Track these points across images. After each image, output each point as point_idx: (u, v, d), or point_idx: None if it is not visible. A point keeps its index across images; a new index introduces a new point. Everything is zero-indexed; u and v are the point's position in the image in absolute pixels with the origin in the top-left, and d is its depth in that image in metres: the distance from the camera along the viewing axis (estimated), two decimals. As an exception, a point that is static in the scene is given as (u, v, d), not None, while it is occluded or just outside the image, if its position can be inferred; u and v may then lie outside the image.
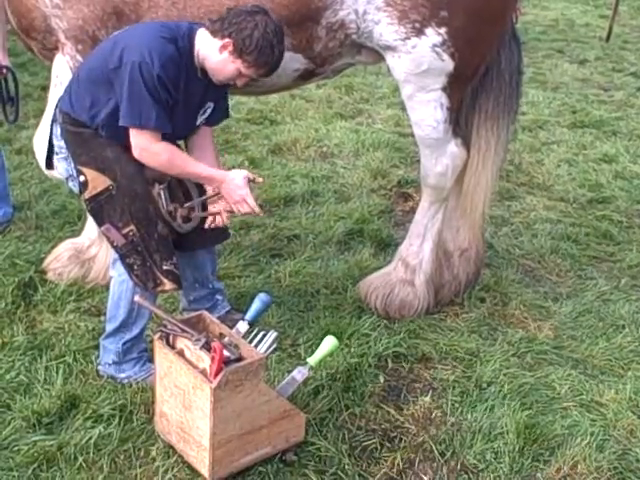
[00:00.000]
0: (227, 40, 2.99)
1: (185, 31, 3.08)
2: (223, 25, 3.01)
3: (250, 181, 3.14)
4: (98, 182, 3.18)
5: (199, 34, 3.08)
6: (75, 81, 3.20)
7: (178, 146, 3.23)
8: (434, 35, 3.52)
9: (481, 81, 3.88)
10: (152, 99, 2.95)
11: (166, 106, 3.01)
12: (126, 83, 2.96)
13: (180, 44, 3.04)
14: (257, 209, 3.18)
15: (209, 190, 3.29)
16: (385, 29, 3.53)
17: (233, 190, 3.13)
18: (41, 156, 3.67)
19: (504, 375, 3.57)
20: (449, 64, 3.60)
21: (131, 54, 2.95)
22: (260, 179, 3.22)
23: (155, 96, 2.95)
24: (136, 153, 3.07)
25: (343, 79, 7.97)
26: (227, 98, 3.42)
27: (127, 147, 3.10)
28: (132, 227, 3.16)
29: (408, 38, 3.53)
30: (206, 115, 3.29)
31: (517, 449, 3.12)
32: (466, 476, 3.03)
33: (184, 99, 3.11)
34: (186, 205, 3.26)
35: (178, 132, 3.23)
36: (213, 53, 3.05)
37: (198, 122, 3.29)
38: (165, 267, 3.18)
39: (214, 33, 3.04)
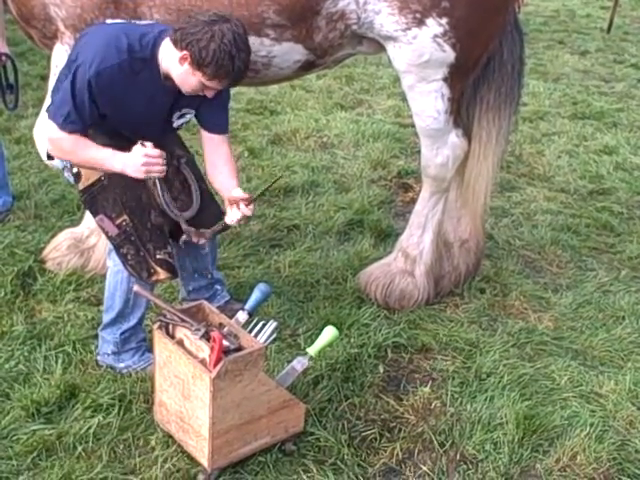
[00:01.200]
0: (185, 52, 2.88)
1: (150, 40, 2.99)
2: (182, 36, 2.89)
3: (149, 156, 3.03)
4: (90, 173, 3.18)
5: (164, 43, 2.98)
6: (61, 72, 3.20)
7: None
8: (435, 25, 3.50)
9: (483, 72, 3.86)
10: (72, 101, 2.95)
11: (84, 112, 2.97)
12: (64, 81, 3.01)
13: (138, 54, 2.97)
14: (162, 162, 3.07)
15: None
16: (386, 19, 3.51)
17: (136, 167, 3.02)
18: (42, 146, 3.65)
19: (504, 366, 3.57)
20: (450, 55, 3.58)
21: (81, 54, 2.98)
22: (156, 151, 3.04)
23: (77, 99, 2.95)
24: (47, 143, 3.12)
25: (343, 69, 7.95)
26: (225, 105, 3.30)
27: (115, 136, 3.10)
28: (125, 217, 3.15)
29: (409, 28, 3.51)
30: (185, 119, 3.24)
31: (516, 440, 3.12)
32: (465, 466, 3.03)
33: (143, 105, 3.06)
34: (207, 231, 3.25)
35: (152, 132, 3.14)
36: (174, 65, 2.95)
37: (176, 125, 3.25)
38: (159, 256, 3.17)
39: (175, 43, 2.92)
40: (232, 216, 3.14)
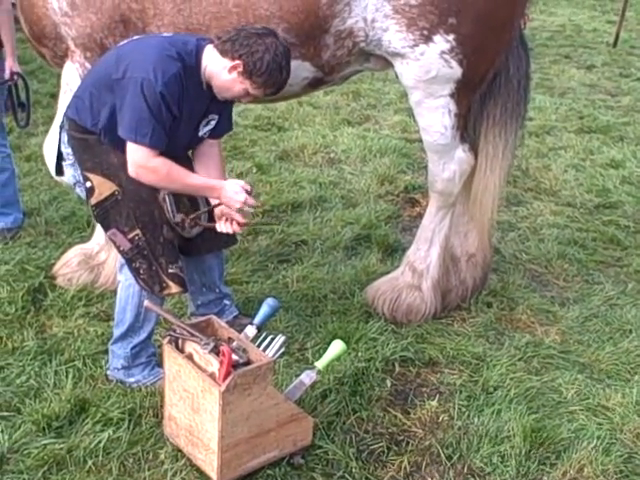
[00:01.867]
0: (237, 62, 3.02)
1: (192, 48, 3.10)
2: (234, 46, 3.03)
3: (247, 192, 3.14)
4: (104, 188, 3.21)
5: (207, 51, 3.10)
6: (81, 89, 3.24)
7: (177, 161, 3.21)
8: (442, 42, 3.55)
9: (489, 87, 3.90)
10: (152, 116, 2.97)
11: (165, 124, 3.03)
12: (127, 96, 2.99)
13: (187, 61, 3.06)
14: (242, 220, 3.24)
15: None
16: (393, 36, 3.55)
17: (232, 198, 3.13)
18: (51, 162, 3.70)
19: (511, 379, 3.58)
20: (457, 71, 3.62)
21: (136, 69, 2.99)
22: (253, 201, 3.20)
23: (155, 114, 2.98)
24: (132, 170, 3.06)
25: (350, 85, 8.01)
26: (231, 111, 3.43)
27: None
28: (137, 231, 3.19)
29: (416, 45, 3.55)
30: (210, 127, 3.31)
31: (524, 452, 3.13)
32: (473, 479, 3.04)
33: (187, 113, 3.13)
34: (191, 216, 3.28)
35: (181, 144, 3.25)
36: (222, 72, 3.08)
37: (201, 133, 3.30)
38: (171, 270, 3.21)
39: (223, 53, 3.06)
40: (223, 228, 3.26)
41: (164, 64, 2.99)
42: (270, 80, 3.07)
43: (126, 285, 3.31)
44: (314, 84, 3.81)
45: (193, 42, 3.13)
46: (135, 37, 3.28)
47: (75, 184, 3.45)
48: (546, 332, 4.03)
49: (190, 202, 3.37)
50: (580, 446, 3.18)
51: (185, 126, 3.17)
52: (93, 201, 3.26)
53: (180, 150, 3.27)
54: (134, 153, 3.03)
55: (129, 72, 3.00)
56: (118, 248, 3.26)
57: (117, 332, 3.37)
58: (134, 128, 2.99)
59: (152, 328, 3.38)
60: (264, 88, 3.10)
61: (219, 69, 3.08)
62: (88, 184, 3.25)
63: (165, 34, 3.31)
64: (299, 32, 3.49)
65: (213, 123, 3.30)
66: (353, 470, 3.02)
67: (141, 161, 3.04)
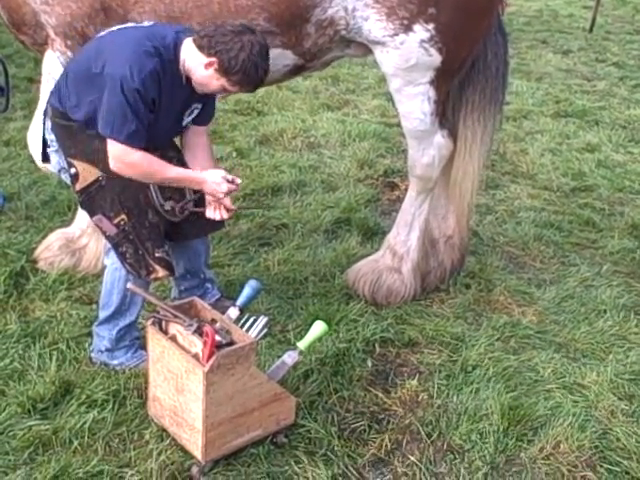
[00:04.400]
0: (213, 59, 3.00)
1: (171, 41, 3.08)
2: (210, 43, 3.01)
3: (228, 182, 3.17)
4: (88, 174, 3.23)
5: (185, 45, 3.08)
6: (63, 78, 3.24)
7: (162, 150, 3.25)
8: (422, 31, 3.58)
9: (468, 73, 3.94)
10: (130, 113, 2.99)
11: (143, 120, 3.03)
12: (106, 93, 3.01)
13: (165, 55, 3.05)
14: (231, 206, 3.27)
15: None
16: (374, 25, 3.57)
17: (214, 190, 3.16)
18: (36, 150, 3.70)
19: (489, 359, 3.65)
20: (437, 59, 3.65)
21: (113, 66, 3.00)
22: (238, 180, 3.23)
23: (133, 110, 2.99)
24: (112, 165, 3.08)
25: (329, 70, 7.98)
26: (214, 99, 3.42)
27: None
28: (123, 216, 3.21)
29: (396, 34, 3.58)
30: (193, 115, 3.31)
31: (501, 430, 3.20)
32: (452, 456, 3.11)
33: (168, 106, 3.13)
34: (180, 204, 3.29)
35: (163, 135, 3.27)
36: (199, 68, 3.06)
37: (184, 123, 3.31)
38: (157, 254, 3.24)
39: (201, 48, 3.04)
40: (212, 214, 3.28)
41: (141, 60, 2.99)
42: (246, 78, 3.05)
43: (112, 269, 3.33)
44: (295, 71, 3.83)
45: (172, 35, 3.10)
46: (116, 27, 3.26)
47: (60, 170, 3.45)
48: (523, 313, 4.11)
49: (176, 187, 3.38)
50: (556, 423, 3.25)
51: (166, 118, 3.18)
52: (78, 187, 3.28)
53: (163, 140, 3.29)
54: (113, 149, 3.05)
55: (107, 68, 3.01)
56: (104, 233, 3.28)
57: (103, 315, 3.39)
58: (112, 124, 3.01)
59: (138, 311, 3.41)
60: (240, 86, 3.09)
61: (196, 64, 3.06)
62: (72, 170, 3.26)
63: (145, 24, 3.28)
64: (280, 21, 3.50)
65: (196, 112, 3.31)
66: (335, 448, 3.08)
67: (120, 157, 3.06)
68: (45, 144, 3.48)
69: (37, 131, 3.67)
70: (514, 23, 11.22)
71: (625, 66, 9.46)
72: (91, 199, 3.25)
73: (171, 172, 3.16)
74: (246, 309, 3.24)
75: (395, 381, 3.52)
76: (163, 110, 3.13)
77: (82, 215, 4.11)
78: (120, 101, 2.97)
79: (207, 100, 3.31)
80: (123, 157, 3.06)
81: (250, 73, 3.03)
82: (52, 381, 3.28)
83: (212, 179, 3.16)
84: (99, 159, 3.17)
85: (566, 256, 4.77)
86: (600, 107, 7.68)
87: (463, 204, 4.15)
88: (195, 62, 3.06)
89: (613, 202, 5.57)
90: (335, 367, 3.51)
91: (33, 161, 4.19)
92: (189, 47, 3.08)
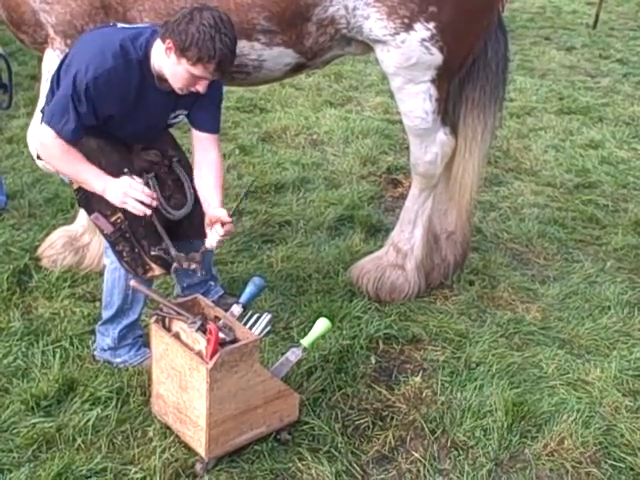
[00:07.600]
0: (168, 41, 2.90)
1: (143, 41, 3.03)
2: (164, 28, 2.95)
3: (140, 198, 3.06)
4: None
5: (156, 43, 3.02)
6: (54, 77, 3.23)
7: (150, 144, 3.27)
8: (423, 30, 3.56)
9: (468, 71, 3.93)
10: (71, 107, 2.97)
11: (84, 118, 3.00)
12: (62, 84, 3.05)
13: (133, 56, 3.00)
14: (147, 201, 3.08)
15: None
16: (374, 24, 3.56)
17: (116, 194, 3.07)
18: (34, 148, 3.69)
19: (493, 355, 3.64)
20: (438, 57, 3.64)
21: (75, 61, 3.02)
22: (154, 195, 3.12)
23: (75, 105, 2.97)
24: (37, 146, 3.13)
25: (332, 67, 7.99)
26: (218, 108, 3.32)
27: (108, 137, 3.16)
28: (119, 215, 3.17)
29: (397, 33, 3.57)
30: (178, 120, 3.28)
31: (505, 426, 3.20)
32: (456, 452, 3.11)
33: (143, 107, 3.10)
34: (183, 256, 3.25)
35: (141, 133, 3.25)
36: (163, 59, 2.97)
37: (169, 123, 3.31)
38: (153, 253, 3.20)
39: (162, 38, 2.96)
40: (211, 239, 3.20)
41: (99, 59, 2.96)
42: (202, 52, 2.84)
43: (112, 268, 3.32)
44: (296, 69, 3.82)
45: (146, 35, 3.05)
46: (98, 26, 3.29)
47: (57, 169, 3.45)
48: (527, 309, 4.10)
49: (174, 184, 3.36)
50: (560, 419, 3.25)
51: (143, 120, 3.16)
52: (75, 186, 3.28)
53: (146, 136, 3.27)
54: (42, 132, 3.07)
55: (72, 63, 3.03)
56: (101, 232, 3.27)
57: (106, 314, 3.39)
58: (52, 112, 3.03)
59: (141, 309, 3.40)
60: (201, 64, 2.87)
61: (161, 57, 2.99)
62: None
63: (123, 25, 3.24)
64: (281, 20, 3.49)
65: (181, 117, 3.28)
66: (339, 445, 3.08)
67: (44, 140, 3.07)
68: None
69: (36, 130, 3.66)
70: (517, 20, 11.20)
71: (629, 62, 9.43)
72: (88, 197, 3.23)
73: (80, 171, 3.12)
74: (249, 306, 3.24)
75: (399, 378, 3.52)
76: (139, 110, 3.10)
77: (84, 213, 4.11)
78: (67, 93, 2.97)
79: (192, 104, 3.22)
80: (45, 141, 3.06)
81: (205, 45, 2.82)
82: (55, 379, 3.28)
83: (112, 191, 3.06)
84: (95, 157, 3.15)
85: (570, 252, 4.76)
86: (604, 104, 7.66)
87: (463, 201, 4.14)
88: (160, 55, 2.99)
89: (617, 198, 5.55)
90: (339, 364, 3.51)
91: (35, 159, 4.20)
92: (157, 43, 3.02)
